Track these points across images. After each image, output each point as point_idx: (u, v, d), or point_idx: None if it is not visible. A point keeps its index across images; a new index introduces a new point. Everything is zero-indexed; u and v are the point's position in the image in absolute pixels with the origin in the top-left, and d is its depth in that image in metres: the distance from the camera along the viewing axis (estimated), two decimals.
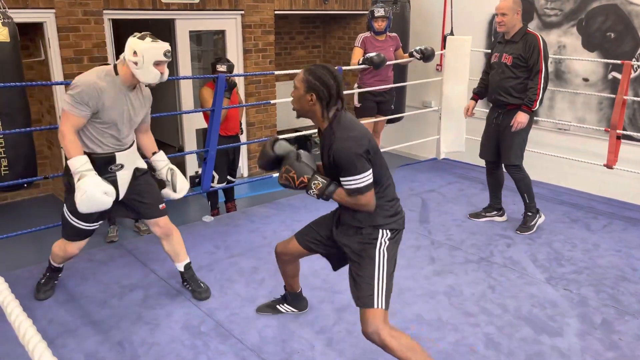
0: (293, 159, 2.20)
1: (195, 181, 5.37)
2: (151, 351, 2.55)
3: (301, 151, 2.27)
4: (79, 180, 2.49)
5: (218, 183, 4.58)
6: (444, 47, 5.45)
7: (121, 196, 2.78)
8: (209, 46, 6.89)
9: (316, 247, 2.48)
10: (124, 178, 2.77)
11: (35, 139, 5.37)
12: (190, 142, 6.04)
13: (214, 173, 4.49)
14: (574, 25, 5.34)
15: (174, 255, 3.02)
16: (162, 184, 3.01)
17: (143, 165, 2.91)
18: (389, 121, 5.42)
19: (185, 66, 5.86)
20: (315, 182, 2.17)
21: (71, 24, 4.70)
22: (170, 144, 7.41)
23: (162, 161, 3.00)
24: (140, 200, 2.85)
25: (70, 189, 2.66)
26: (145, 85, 2.76)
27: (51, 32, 4.67)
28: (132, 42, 2.58)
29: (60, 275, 3.10)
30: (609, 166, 4.46)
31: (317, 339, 2.65)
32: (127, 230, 4.62)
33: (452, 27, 6.08)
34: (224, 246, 3.69)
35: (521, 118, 3.71)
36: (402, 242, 3.66)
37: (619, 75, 4.76)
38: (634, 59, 4.97)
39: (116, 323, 2.77)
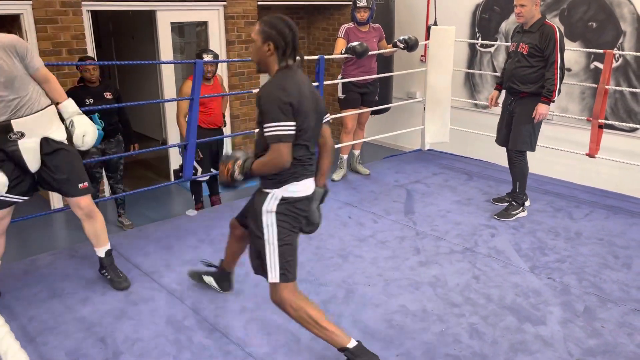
0: (222, 158, 2.22)
1: (179, 175, 5.33)
2: (134, 347, 2.52)
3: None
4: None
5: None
6: (428, 37, 5.44)
7: (33, 167, 2.67)
8: (191, 38, 6.81)
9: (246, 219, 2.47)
10: (28, 147, 2.62)
11: None
12: (173, 135, 5.98)
13: (197, 166, 4.45)
14: (557, 15, 5.36)
15: (95, 239, 2.94)
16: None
17: (59, 136, 2.73)
18: (374, 112, 5.41)
19: (167, 58, 5.78)
20: (237, 162, 2.12)
21: (49, 16, 4.61)
22: (153, 137, 7.34)
23: (65, 112, 2.76)
24: (55, 176, 2.73)
25: None
26: None
27: (28, 24, 4.58)
28: None
29: None
30: (591, 155, 4.49)
31: (302, 332, 2.63)
32: (110, 225, 4.57)
33: (435, 18, 6.08)
34: (208, 240, 3.66)
35: (542, 109, 3.74)
36: (387, 233, 3.70)
37: (600, 65, 4.79)
38: (615, 49, 5.00)
39: (99, 319, 2.73)
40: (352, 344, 2.25)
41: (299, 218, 2.25)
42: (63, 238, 4.69)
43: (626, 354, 2.50)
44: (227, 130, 5.65)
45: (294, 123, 2.06)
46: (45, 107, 2.69)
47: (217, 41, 5.92)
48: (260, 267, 2.28)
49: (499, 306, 2.88)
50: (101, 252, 3.01)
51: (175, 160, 5.94)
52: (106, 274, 3.04)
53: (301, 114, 2.09)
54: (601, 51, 4.48)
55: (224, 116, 4.72)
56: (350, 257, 3.40)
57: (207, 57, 4.31)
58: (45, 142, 2.68)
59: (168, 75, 5.89)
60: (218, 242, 3.65)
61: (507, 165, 4.18)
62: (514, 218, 3.98)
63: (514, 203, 4.02)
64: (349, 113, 4.83)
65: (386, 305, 2.87)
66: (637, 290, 3.04)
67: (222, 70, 5.89)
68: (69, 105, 2.79)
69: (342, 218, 4.01)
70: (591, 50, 4.87)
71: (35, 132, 2.64)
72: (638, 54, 4.63)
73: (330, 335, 2.25)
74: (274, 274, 2.23)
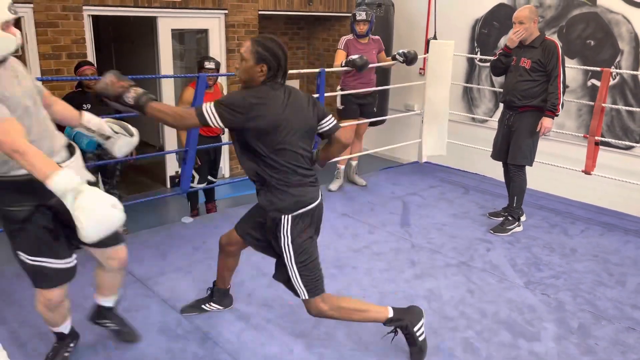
0: (116, 72, 2.23)
1: (175, 181, 5.32)
2: (126, 355, 2.50)
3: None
4: (75, 200, 1.79)
5: (198, 183, 4.54)
6: (427, 51, 5.48)
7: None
8: (191, 45, 6.83)
9: (251, 237, 2.48)
10: None
11: None
12: (170, 142, 5.97)
13: (195, 173, 4.44)
14: (555, 32, 5.41)
15: (111, 289, 2.49)
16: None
17: (92, 177, 2.26)
18: (372, 124, 5.42)
19: (167, 65, 5.79)
20: (134, 88, 2.18)
21: (49, 20, 4.62)
22: (150, 143, 7.33)
23: (93, 119, 2.36)
24: None
25: (14, 230, 2.08)
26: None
27: (29, 27, 4.59)
28: None
29: (72, 344, 2.48)
30: (587, 172, 4.51)
31: (295, 343, 2.63)
32: None
33: (435, 31, 6.12)
34: (203, 248, 3.65)
35: (547, 123, 3.79)
36: (382, 245, 3.69)
37: (598, 83, 4.82)
38: (612, 67, 5.04)
39: (90, 326, 2.69)
40: (390, 312, 2.40)
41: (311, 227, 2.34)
42: None
43: None
44: (225, 138, 5.64)
45: (219, 117, 2.17)
46: (77, 151, 2.26)
47: (217, 49, 5.94)
48: (290, 287, 2.40)
49: (494, 321, 2.87)
50: (110, 302, 2.53)
51: (171, 166, 5.93)
52: (110, 324, 2.57)
53: (273, 127, 2.19)
54: (598, 69, 4.51)
55: None
56: (346, 268, 3.39)
57: (209, 65, 4.35)
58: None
59: (167, 81, 5.89)
60: (214, 250, 3.62)
61: (503, 179, 4.22)
62: (509, 233, 3.99)
63: (510, 218, 4.03)
64: (348, 124, 4.84)
65: None
66: (631, 308, 3.04)
67: (221, 77, 5.89)
68: (91, 115, 2.41)
69: (338, 229, 4.00)
70: (589, 67, 4.91)
71: (80, 176, 2.09)
72: (635, 72, 4.68)
73: (373, 316, 2.40)
74: (303, 292, 2.33)
